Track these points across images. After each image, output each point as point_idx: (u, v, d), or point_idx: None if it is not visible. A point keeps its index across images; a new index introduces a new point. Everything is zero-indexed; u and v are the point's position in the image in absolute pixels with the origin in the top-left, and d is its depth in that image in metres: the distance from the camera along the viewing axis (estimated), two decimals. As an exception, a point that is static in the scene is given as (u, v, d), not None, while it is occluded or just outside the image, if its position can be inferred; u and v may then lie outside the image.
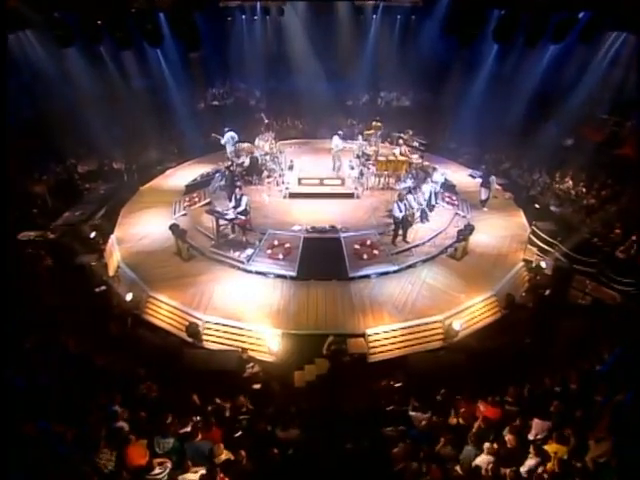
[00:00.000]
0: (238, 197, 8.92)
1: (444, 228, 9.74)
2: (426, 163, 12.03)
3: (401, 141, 12.48)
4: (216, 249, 8.90)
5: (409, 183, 10.76)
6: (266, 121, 12.83)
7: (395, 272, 8.49)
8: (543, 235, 9.08)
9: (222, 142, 11.99)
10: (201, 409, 5.26)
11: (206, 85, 16.64)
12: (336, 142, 11.89)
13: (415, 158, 11.81)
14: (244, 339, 7.17)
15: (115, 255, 8.83)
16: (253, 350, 7.00)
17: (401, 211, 8.98)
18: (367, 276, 8.36)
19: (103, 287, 7.80)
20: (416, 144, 13.18)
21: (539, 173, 12.07)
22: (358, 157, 12.37)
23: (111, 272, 8.36)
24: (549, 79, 12.01)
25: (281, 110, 16.09)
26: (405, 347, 7.11)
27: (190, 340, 7.07)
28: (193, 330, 7.07)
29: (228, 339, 7.20)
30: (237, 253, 8.74)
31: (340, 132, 12.22)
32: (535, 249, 9.01)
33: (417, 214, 9.68)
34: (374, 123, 13.29)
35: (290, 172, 12.00)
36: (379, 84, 16.30)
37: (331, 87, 15.40)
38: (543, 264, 8.50)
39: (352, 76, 15.41)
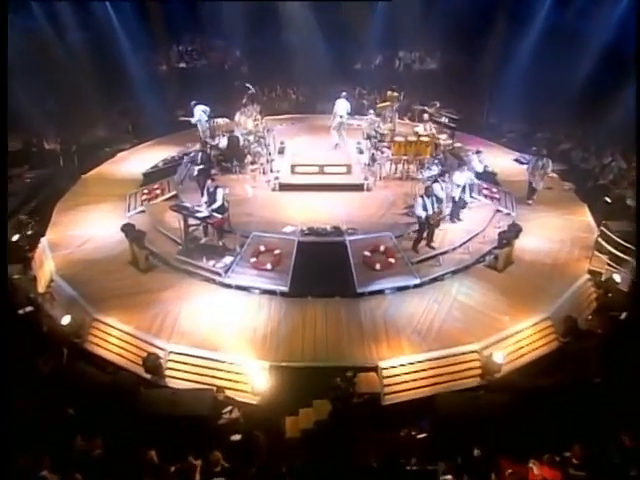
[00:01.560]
0: (212, 189, 8.94)
1: (481, 230, 9.64)
2: (458, 145, 12.21)
3: (425, 116, 12.54)
4: (184, 257, 8.78)
5: (435, 171, 10.88)
6: (251, 91, 12.96)
7: (417, 287, 8.33)
8: (616, 238, 8.43)
9: (193, 121, 12.14)
10: (161, 470, 4.98)
11: (170, 42, 16.74)
12: (341, 107, 11.97)
13: (443, 138, 11.93)
14: (220, 375, 6.93)
15: (47, 265, 8.49)
16: (232, 389, 6.79)
17: (425, 209, 8.96)
18: (381, 291, 8.20)
19: (30, 308, 7.31)
20: (445, 120, 13.24)
21: (611, 156, 11.51)
22: (369, 138, 12.48)
23: (41, 288, 8.03)
24: (625, 32, 11.55)
25: (269, 76, 16.42)
26: (431, 385, 6.83)
27: (148, 377, 6.81)
28: (152, 363, 6.75)
29: (199, 375, 6.98)
30: (212, 262, 8.66)
31: (344, 93, 12.29)
32: (605, 257, 8.56)
33: (446, 211, 9.62)
34: (389, 93, 13.53)
35: (281, 157, 12.19)
36: (397, 42, 16.52)
37: (334, 46, 15.53)
38: (617, 277, 8.08)
39: (361, 32, 15.62)
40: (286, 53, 15.22)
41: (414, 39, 16.00)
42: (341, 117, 11.98)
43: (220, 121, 12.52)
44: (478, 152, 10.74)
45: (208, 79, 14.81)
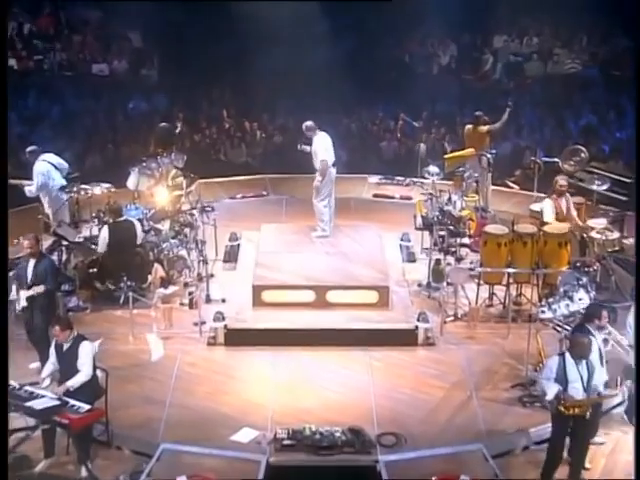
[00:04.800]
0: (68, 346, 8.95)
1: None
2: (629, 241, 12.42)
3: (560, 181, 12.37)
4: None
5: (585, 302, 10.41)
6: (178, 128, 14.04)
7: None
8: None
9: (29, 191, 12.62)
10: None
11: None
12: (324, 147, 12.80)
13: (600, 228, 11.99)
14: None
15: None
16: None
17: (566, 385, 8.40)
18: None
19: None
20: (599, 186, 13.41)
21: None
22: (427, 226, 12.66)
23: None
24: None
25: (209, 96, 18.44)
26: None
27: None
28: None
29: None
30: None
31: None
32: None
33: (616, 397, 9.48)
34: (471, 128, 14.22)
35: (229, 269, 12.74)
36: (482, 19, 18.59)
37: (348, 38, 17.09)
38: None
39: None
40: (244, 43, 16.86)
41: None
42: (322, 165, 12.42)
43: (96, 190, 12.82)
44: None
45: (73, 98, 16.41)
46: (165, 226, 12.39)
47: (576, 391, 8.45)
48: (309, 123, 12.88)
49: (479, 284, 11.63)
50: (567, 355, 8.54)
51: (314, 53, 17.70)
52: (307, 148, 12.85)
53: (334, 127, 14.86)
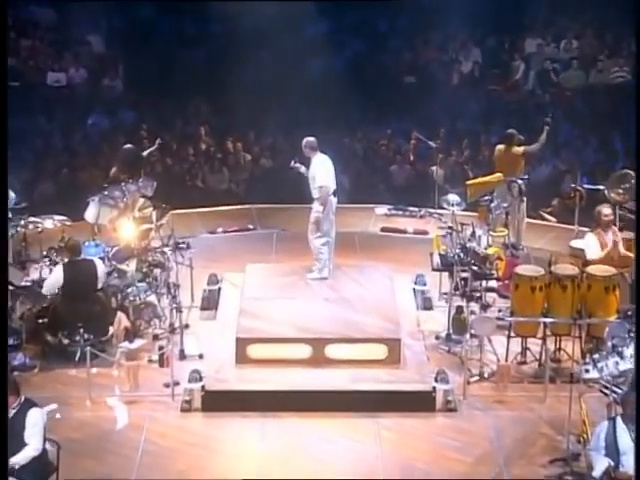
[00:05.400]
0: (11, 415, 8.72)
1: None
2: None
3: (604, 211, 12.57)
4: None
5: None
6: (150, 149, 14.37)
7: None
8: None
9: None
10: None
11: None
12: (324, 173, 12.95)
13: None
14: None
15: None
16: None
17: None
18: None
19: None
20: None
21: None
22: (446, 266, 12.74)
23: None
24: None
25: (184, 111, 18.99)
26: None
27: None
28: None
29: None
30: None
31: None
32: None
33: None
34: (503, 149, 14.46)
35: (208, 318, 12.87)
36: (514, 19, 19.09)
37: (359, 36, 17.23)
38: None
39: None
40: (226, 47, 17.64)
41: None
42: (322, 192, 12.58)
43: (48, 224, 13.00)
44: None
45: (21, 114, 16.51)
46: (131, 267, 12.35)
47: (630, 465, 8.31)
48: (311, 139, 12.97)
49: (509, 337, 11.56)
50: (618, 421, 8.48)
51: (310, 59, 17.80)
52: (302, 168, 12.92)
53: (334, 148, 14.96)
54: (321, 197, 12.66)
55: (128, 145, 14.33)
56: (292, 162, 13.15)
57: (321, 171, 12.74)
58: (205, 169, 17.42)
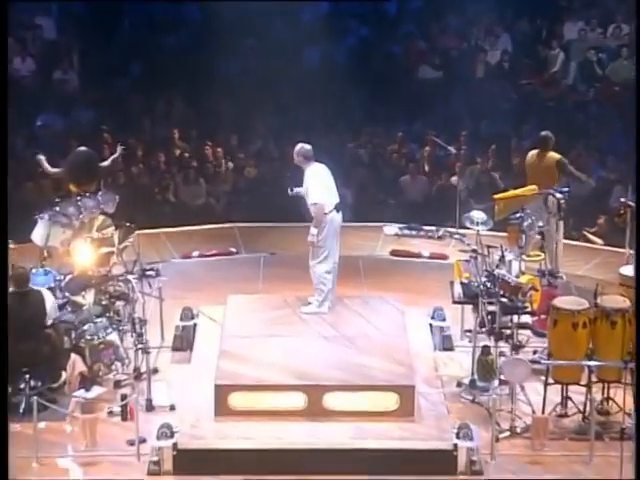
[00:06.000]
0: None
1: None
2: None
3: None
4: None
5: None
6: (118, 150, 14.79)
7: None
8: None
9: None
10: None
11: None
12: (323, 183, 13.13)
13: None
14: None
15: None
16: None
17: None
18: None
19: None
20: None
21: None
22: (469, 298, 12.78)
23: None
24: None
25: (163, 106, 19.48)
26: None
27: None
28: None
29: None
30: None
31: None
32: None
33: None
34: (536, 155, 14.64)
35: (182, 360, 12.96)
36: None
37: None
38: None
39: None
40: (203, 35, 18.17)
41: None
42: (315, 210, 12.73)
43: None
44: None
45: None
46: (88, 299, 12.31)
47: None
48: (305, 147, 13.01)
49: (547, 383, 11.46)
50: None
51: (306, 49, 17.86)
52: (300, 191, 12.95)
53: (335, 154, 15.04)
54: (315, 217, 12.66)
55: (82, 148, 14.29)
56: (289, 190, 13.11)
57: (315, 185, 12.75)
58: (178, 180, 17.41)
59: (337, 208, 12.77)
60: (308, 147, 12.93)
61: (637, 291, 11.07)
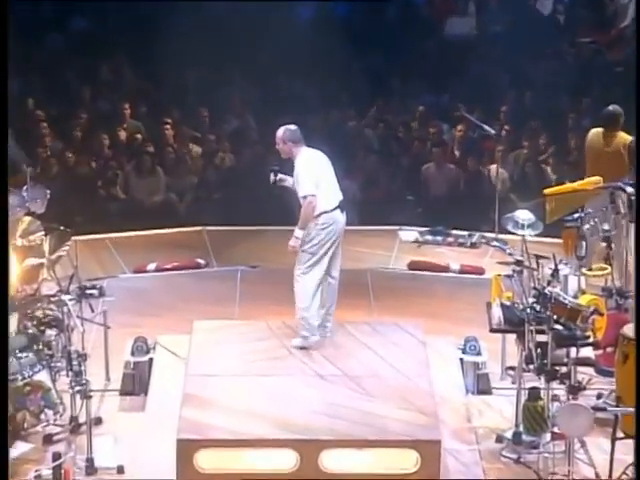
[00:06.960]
0: None
1: None
2: None
3: None
4: None
5: None
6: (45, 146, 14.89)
7: None
8: None
9: None
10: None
11: None
12: (326, 177, 13.46)
13: None
14: None
15: None
16: None
17: None
18: None
19: None
20: None
21: None
22: (512, 324, 12.87)
23: None
24: None
25: (108, 71, 19.63)
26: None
27: None
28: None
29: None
30: None
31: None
32: None
33: None
34: (600, 134, 15.26)
35: (131, 410, 13.22)
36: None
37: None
38: None
39: None
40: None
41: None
42: (304, 206, 13.01)
43: None
44: None
45: None
46: (11, 325, 12.26)
47: None
48: (291, 128, 13.12)
49: (615, 438, 11.02)
50: None
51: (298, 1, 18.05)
52: (287, 180, 12.98)
53: (335, 136, 15.12)
54: (303, 215, 12.75)
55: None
56: (271, 175, 13.11)
57: (307, 174, 12.99)
58: (129, 170, 17.48)
59: (340, 207, 12.83)
60: (294, 128, 12.98)
61: (637, 287, 11.77)
